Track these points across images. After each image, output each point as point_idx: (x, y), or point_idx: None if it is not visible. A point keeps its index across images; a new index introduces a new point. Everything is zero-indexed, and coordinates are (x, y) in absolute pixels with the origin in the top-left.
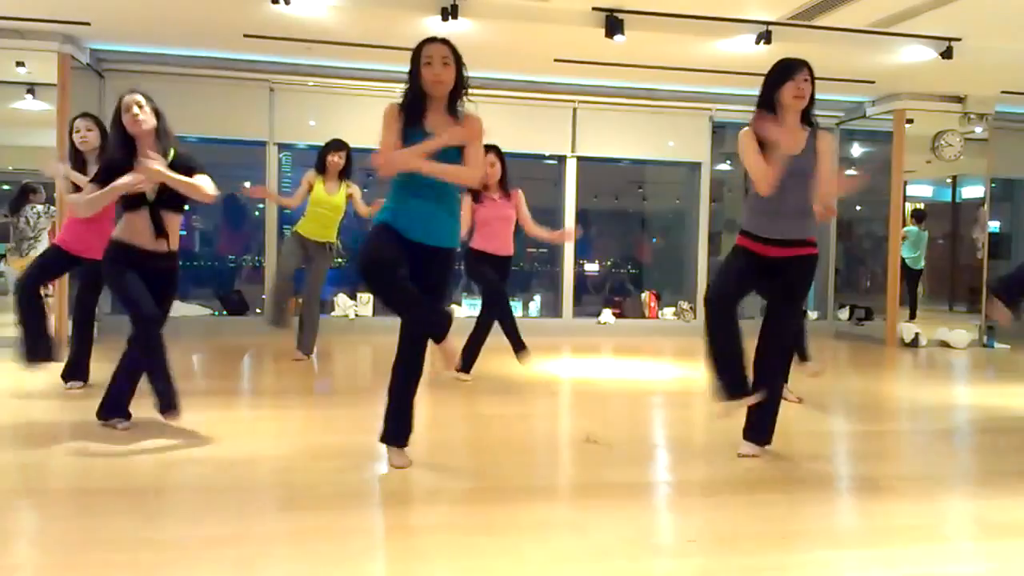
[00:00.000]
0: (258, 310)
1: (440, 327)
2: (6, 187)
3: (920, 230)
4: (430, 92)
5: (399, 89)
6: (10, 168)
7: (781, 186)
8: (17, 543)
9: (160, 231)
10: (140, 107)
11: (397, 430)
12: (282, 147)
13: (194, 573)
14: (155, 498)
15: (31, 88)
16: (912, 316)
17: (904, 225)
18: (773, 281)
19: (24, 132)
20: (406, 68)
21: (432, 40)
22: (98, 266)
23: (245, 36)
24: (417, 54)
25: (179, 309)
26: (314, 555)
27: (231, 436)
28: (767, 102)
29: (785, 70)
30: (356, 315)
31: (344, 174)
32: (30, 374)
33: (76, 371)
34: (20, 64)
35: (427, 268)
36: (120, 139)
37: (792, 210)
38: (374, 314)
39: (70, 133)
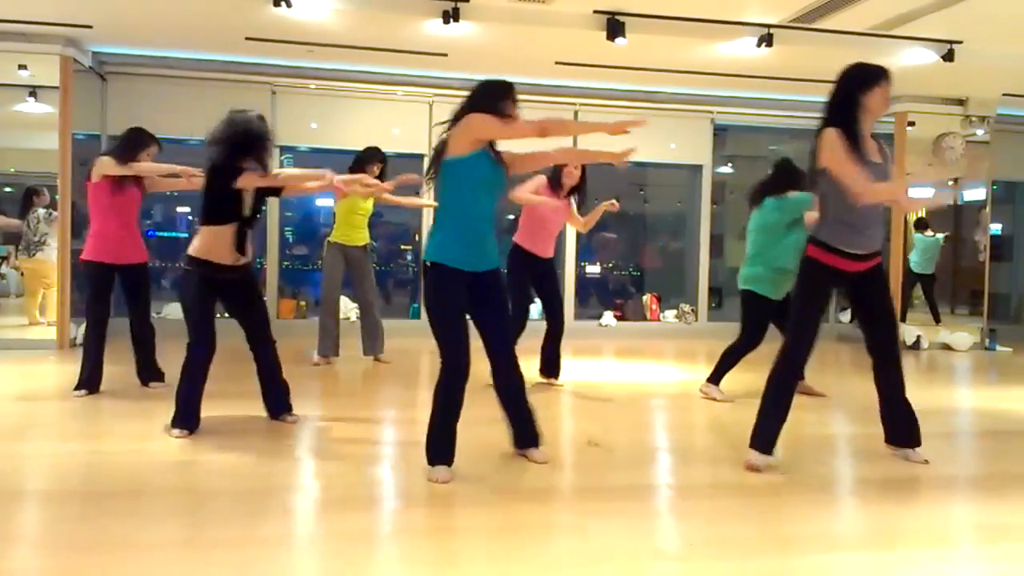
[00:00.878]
0: None
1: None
2: (8, 189)
3: (925, 236)
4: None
5: (400, 91)
6: (12, 170)
7: None
8: (19, 546)
9: (242, 246)
10: None
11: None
12: (284, 150)
13: None
14: (158, 501)
15: (33, 91)
16: (902, 317)
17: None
18: (857, 295)
19: (26, 135)
20: (407, 71)
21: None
22: (133, 270)
23: (247, 39)
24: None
25: (177, 311)
26: (315, 558)
27: (233, 439)
28: (846, 101)
29: (876, 75)
30: (357, 317)
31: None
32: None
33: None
34: (23, 67)
35: (487, 291)
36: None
37: (877, 220)
38: None
39: (144, 145)
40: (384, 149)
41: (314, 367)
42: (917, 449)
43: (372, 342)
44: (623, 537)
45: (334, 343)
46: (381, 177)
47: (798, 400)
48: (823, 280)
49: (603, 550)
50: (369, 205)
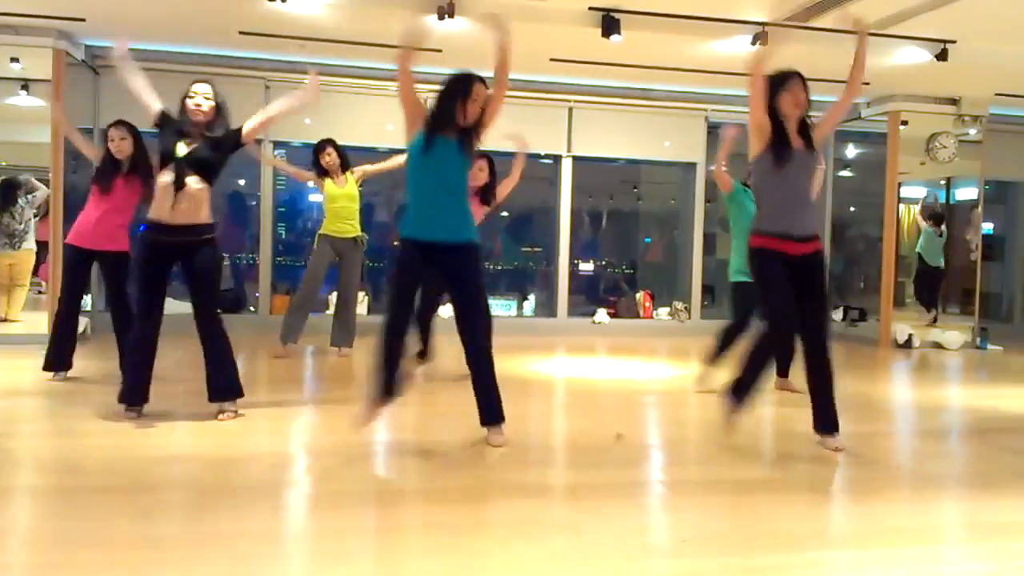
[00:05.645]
0: (252, 308)
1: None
2: None
3: (931, 230)
4: (461, 124)
5: (394, 87)
6: (3, 164)
7: (794, 179)
8: (10, 541)
9: (180, 184)
10: (206, 98)
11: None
12: (277, 144)
13: (188, 571)
14: (149, 496)
15: (25, 84)
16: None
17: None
18: (798, 281)
19: (18, 128)
20: None
21: (476, 79)
22: (116, 257)
23: (240, 33)
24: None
25: (171, 307)
26: (306, 554)
27: (225, 434)
28: (768, 113)
29: (781, 80)
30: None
31: (344, 166)
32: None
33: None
34: (15, 60)
35: (451, 267)
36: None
37: (807, 201)
38: (368, 312)
39: (105, 139)
40: (378, 145)
41: (277, 358)
42: (836, 435)
43: (342, 335)
44: (615, 533)
45: (297, 333)
46: (343, 157)
47: (791, 398)
48: (774, 262)
49: (594, 546)
50: (350, 191)
